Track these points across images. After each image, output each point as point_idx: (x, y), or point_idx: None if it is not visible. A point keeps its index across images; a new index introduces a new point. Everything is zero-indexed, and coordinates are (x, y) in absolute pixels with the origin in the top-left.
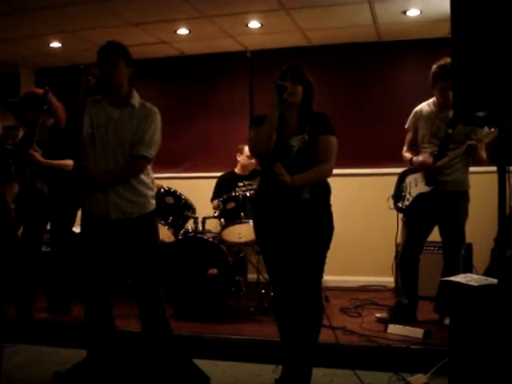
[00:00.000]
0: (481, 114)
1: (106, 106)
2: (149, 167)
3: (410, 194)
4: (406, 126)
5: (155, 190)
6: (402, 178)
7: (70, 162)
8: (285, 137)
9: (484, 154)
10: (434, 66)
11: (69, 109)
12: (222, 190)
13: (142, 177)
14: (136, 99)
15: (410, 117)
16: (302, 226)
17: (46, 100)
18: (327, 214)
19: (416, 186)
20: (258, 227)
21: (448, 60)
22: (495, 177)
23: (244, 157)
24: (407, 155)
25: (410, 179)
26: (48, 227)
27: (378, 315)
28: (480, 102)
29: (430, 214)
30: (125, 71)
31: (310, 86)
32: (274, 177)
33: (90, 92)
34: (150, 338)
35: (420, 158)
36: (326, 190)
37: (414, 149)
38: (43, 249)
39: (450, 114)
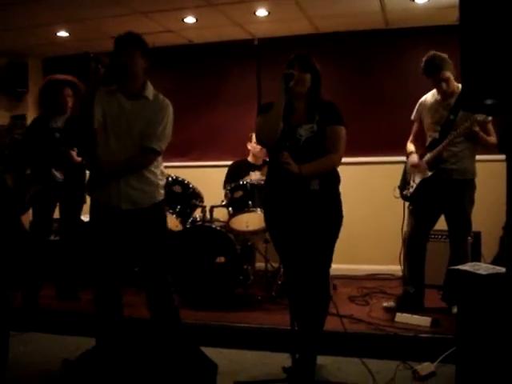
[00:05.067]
0: (489, 101)
1: (120, 97)
2: (159, 158)
3: (413, 181)
4: (412, 118)
5: (164, 179)
6: (407, 167)
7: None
8: (293, 126)
9: (491, 139)
10: (422, 62)
11: (78, 97)
12: (232, 177)
13: (152, 167)
14: (150, 91)
15: (416, 107)
16: (311, 215)
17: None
18: (336, 203)
19: (419, 172)
20: (268, 216)
21: (431, 53)
22: (504, 165)
23: (252, 144)
24: (409, 148)
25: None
26: (56, 215)
27: (385, 304)
28: (489, 90)
29: (436, 203)
30: (140, 62)
31: (318, 73)
32: (281, 165)
33: (100, 81)
34: (158, 327)
35: (413, 158)
36: (336, 180)
37: (421, 139)
38: (52, 237)
39: (453, 101)
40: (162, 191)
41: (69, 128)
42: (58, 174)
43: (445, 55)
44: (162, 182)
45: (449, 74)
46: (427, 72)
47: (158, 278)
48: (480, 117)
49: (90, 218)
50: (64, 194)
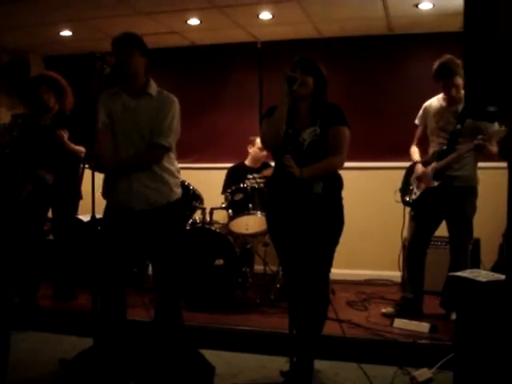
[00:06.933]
0: (492, 108)
1: (124, 97)
2: (173, 155)
3: (417, 188)
4: (417, 122)
5: (180, 178)
6: (410, 171)
7: (83, 149)
8: (296, 129)
9: (493, 149)
10: (435, 64)
11: (81, 96)
12: (231, 181)
13: (166, 164)
14: (153, 88)
15: (420, 112)
16: (313, 219)
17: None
18: (338, 208)
19: (423, 183)
20: (270, 218)
21: (447, 57)
22: (504, 172)
23: (255, 149)
24: (414, 156)
25: None
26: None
27: (384, 310)
28: (491, 97)
29: (438, 209)
30: (140, 61)
31: (323, 77)
32: (284, 169)
33: (105, 81)
34: (161, 327)
35: (419, 170)
36: (339, 184)
37: (424, 144)
38: (50, 237)
39: (459, 107)
40: (179, 190)
41: (57, 123)
42: (47, 176)
43: (459, 61)
44: (178, 181)
45: (460, 81)
46: (439, 75)
47: (168, 279)
48: (496, 137)
49: (104, 219)
50: (55, 195)
